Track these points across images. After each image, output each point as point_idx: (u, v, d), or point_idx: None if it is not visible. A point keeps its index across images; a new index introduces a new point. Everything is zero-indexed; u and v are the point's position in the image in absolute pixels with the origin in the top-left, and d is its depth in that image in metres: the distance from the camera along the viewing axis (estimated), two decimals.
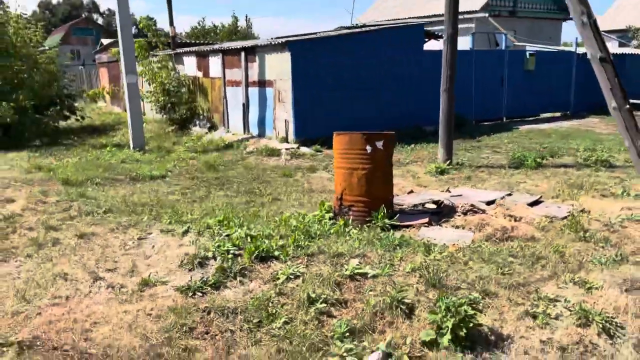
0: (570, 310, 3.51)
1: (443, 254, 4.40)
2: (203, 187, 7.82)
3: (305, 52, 10.55)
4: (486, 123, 14.40)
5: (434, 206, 6.19)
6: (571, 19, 21.16)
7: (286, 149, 10.57)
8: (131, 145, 11.67)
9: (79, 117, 15.92)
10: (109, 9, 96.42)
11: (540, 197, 6.63)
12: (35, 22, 14.69)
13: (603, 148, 9.95)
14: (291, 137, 10.92)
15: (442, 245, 4.74)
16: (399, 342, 3.11)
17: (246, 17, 39.92)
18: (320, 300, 3.57)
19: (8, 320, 3.28)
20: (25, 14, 15.23)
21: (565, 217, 5.72)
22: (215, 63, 13.30)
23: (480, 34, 21.15)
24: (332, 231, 5.16)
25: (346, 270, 4.02)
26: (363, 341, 3.15)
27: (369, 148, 5.52)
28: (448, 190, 7.15)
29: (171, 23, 17.22)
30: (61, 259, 4.48)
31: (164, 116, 14.90)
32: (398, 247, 4.63)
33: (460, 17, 21.33)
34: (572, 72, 16.54)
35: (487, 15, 20.47)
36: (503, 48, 19.59)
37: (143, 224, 5.45)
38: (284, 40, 10.70)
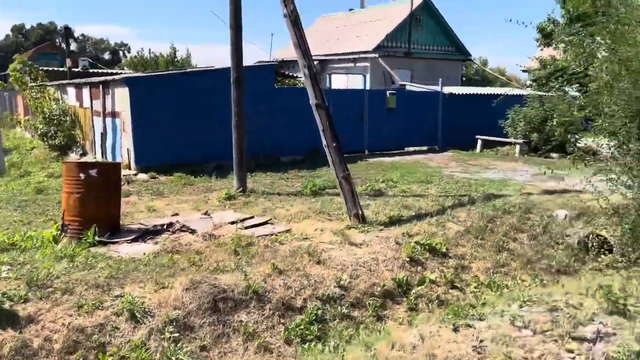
0: (122, 303, 4.51)
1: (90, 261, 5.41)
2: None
3: (144, 87, 11.61)
4: (345, 155, 15.53)
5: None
6: (470, 59, 22.94)
7: (124, 175, 11.49)
8: None
9: None
10: (82, 34, 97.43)
11: (270, 219, 7.72)
12: None
13: (399, 179, 11.18)
14: (132, 164, 11.89)
15: (108, 257, 5.73)
16: None
17: (187, 49, 41.31)
18: None
19: None
20: None
21: (263, 235, 6.80)
22: (86, 95, 14.31)
23: (377, 71, 22.76)
24: (36, 246, 6.12)
25: None
26: None
27: (82, 175, 6.53)
28: (206, 213, 8.19)
29: (68, 55, 18.37)
30: None
31: (45, 143, 15.77)
32: (62, 258, 5.60)
33: (357, 56, 22.93)
34: (439, 110, 18.00)
35: (377, 56, 22.05)
36: (397, 86, 21.20)
37: None
38: (122, 77, 11.78)
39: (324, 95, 7.84)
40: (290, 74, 16.65)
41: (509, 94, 19.73)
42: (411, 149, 17.67)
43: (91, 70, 25.09)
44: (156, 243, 6.49)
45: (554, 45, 19.27)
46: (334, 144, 7.52)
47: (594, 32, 6.36)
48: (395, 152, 16.93)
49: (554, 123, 14.72)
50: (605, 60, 5.96)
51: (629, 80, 5.51)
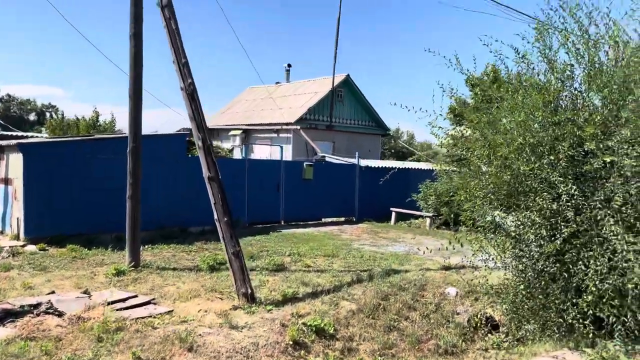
0: None
1: None
2: None
3: (39, 154, 11.02)
4: (260, 225, 15.38)
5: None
6: (389, 134, 23.63)
7: (10, 247, 10.60)
8: None
9: None
10: (8, 94, 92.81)
11: (153, 299, 7.23)
12: None
13: (306, 252, 11.04)
14: (22, 234, 11.02)
15: None
16: None
17: (112, 114, 40.63)
18: None
19: None
20: None
21: (140, 318, 6.31)
22: None
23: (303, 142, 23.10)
24: None
25: None
26: None
27: None
28: (86, 292, 7.56)
29: None
30: None
31: None
32: None
33: (280, 127, 23.25)
34: (356, 182, 18.35)
35: (298, 127, 22.51)
36: (319, 157, 21.50)
37: None
38: (16, 142, 11.16)
39: (217, 166, 7.67)
40: None
41: (423, 168, 20.58)
42: (328, 219, 17.73)
43: (1, 133, 23.79)
44: (15, 327, 5.84)
45: (463, 126, 20.48)
46: (225, 219, 7.30)
47: (498, 116, 6.65)
48: (312, 222, 16.91)
49: (461, 198, 15.38)
50: (479, 145, 6.27)
51: (497, 165, 5.79)
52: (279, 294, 7.71)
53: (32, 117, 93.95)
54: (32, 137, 22.45)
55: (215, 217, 7.40)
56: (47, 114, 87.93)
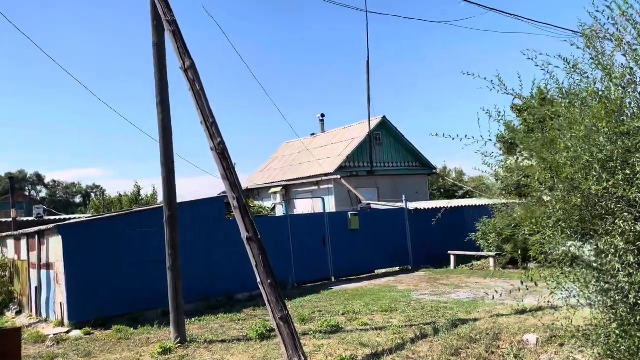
0: None
1: None
2: None
3: (78, 234, 10.90)
4: (310, 284, 14.66)
5: None
6: (435, 173, 22.74)
7: (54, 335, 10.30)
8: None
9: None
10: (53, 180, 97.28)
11: None
12: None
13: (362, 309, 10.25)
14: (66, 320, 10.77)
15: None
16: None
17: (153, 186, 41.68)
18: None
19: None
20: None
21: None
22: (24, 246, 13.50)
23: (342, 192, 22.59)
24: None
25: None
26: None
27: None
28: None
29: (13, 206, 17.80)
30: None
31: None
32: None
33: (320, 179, 22.86)
34: (407, 227, 17.45)
35: (339, 177, 22.03)
36: (364, 205, 20.81)
37: None
38: (56, 225, 11.12)
39: (256, 225, 7.17)
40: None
41: (478, 205, 19.35)
42: (382, 271, 16.77)
43: (46, 218, 24.37)
44: None
45: (517, 154, 19.45)
46: (269, 281, 6.72)
47: (556, 134, 5.92)
48: (364, 276, 16.01)
49: (527, 231, 14.17)
50: (539, 169, 5.55)
51: (563, 188, 5.04)
52: (335, 359, 6.98)
53: (77, 199, 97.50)
54: (73, 218, 22.90)
55: (258, 280, 6.83)
56: (92, 195, 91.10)
